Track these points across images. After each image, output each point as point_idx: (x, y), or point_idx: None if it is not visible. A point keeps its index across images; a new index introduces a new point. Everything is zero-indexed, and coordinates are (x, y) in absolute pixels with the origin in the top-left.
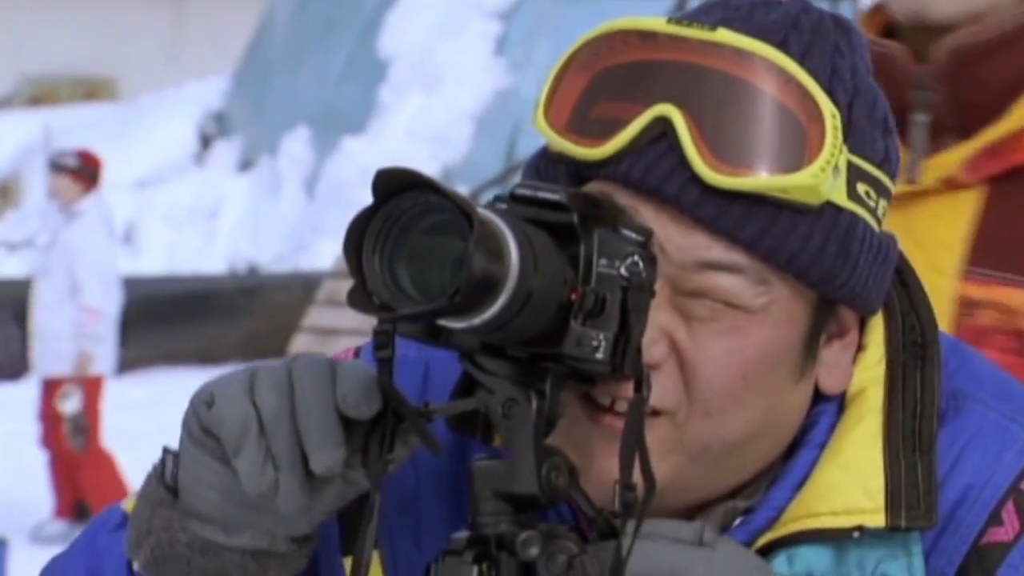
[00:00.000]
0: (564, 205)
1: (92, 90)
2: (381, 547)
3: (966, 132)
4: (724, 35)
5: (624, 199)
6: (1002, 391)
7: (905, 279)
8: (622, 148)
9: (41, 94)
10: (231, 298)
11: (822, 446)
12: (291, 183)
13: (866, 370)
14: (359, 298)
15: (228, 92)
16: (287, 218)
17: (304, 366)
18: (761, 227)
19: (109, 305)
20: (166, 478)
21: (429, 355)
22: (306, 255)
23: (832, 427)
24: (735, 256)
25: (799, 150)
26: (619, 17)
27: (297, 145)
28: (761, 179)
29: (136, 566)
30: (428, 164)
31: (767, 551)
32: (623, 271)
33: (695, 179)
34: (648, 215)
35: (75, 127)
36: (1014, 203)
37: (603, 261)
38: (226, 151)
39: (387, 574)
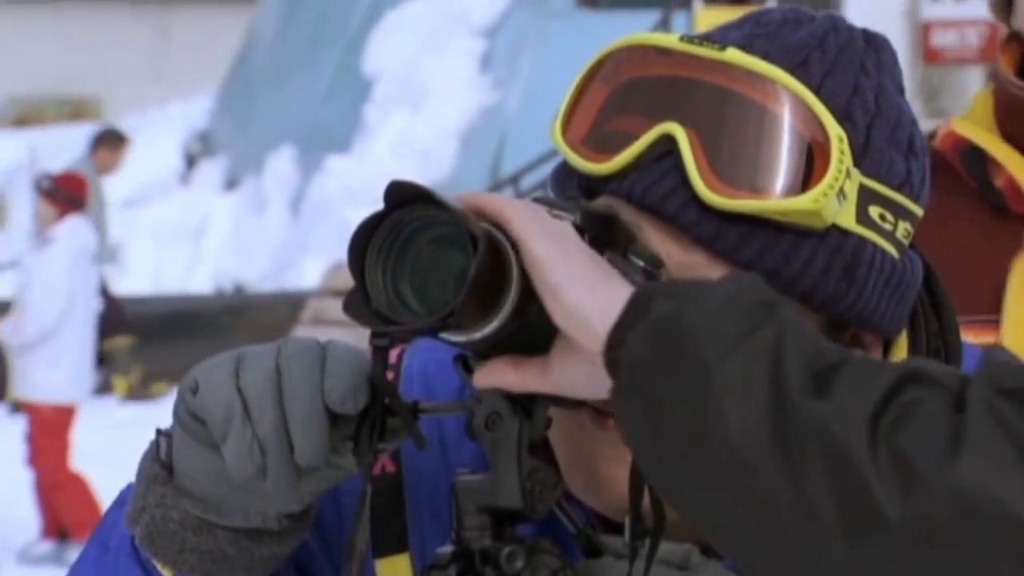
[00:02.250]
0: (577, 227)
1: (77, 110)
2: (412, 548)
3: None
4: (733, 55)
5: (629, 215)
6: None
7: (937, 301)
8: (628, 164)
9: (26, 115)
10: (217, 317)
11: None
12: (276, 202)
13: None
14: (356, 305)
15: (212, 111)
16: (272, 237)
17: (293, 351)
18: (760, 248)
19: (32, 323)
20: (161, 456)
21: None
22: (292, 274)
23: None
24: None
25: (802, 174)
26: (605, 32)
27: (282, 164)
28: (760, 202)
29: (136, 541)
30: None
31: None
32: None
33: (695, 198)
34: (650, 232)
35: (60, 148)
36: None
37: None
38: (211, 170)
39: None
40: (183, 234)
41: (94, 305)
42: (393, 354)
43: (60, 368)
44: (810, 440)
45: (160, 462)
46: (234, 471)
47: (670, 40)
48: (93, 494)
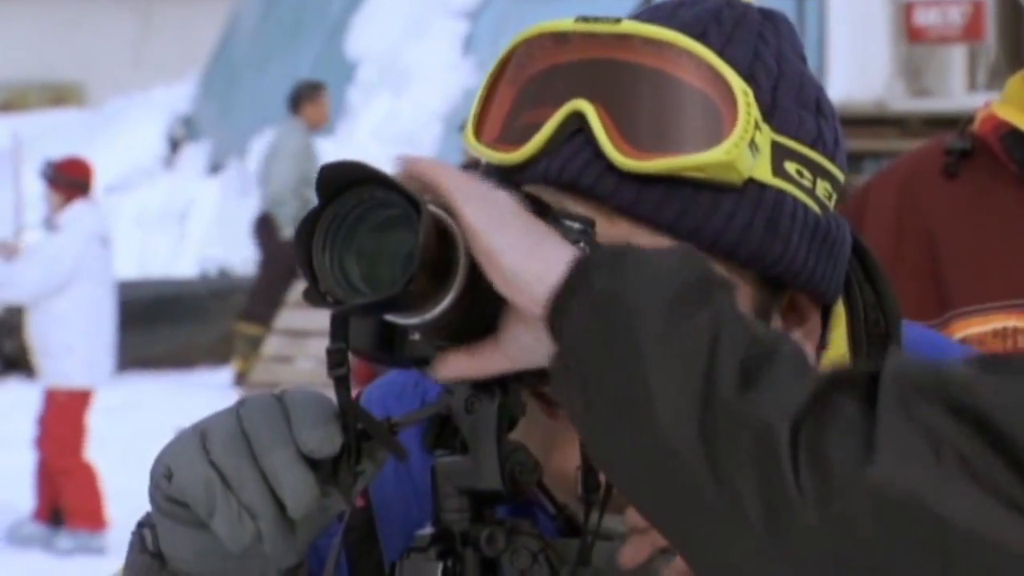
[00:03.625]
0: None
1: (60, 96)
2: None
3: None
4: (631, 26)
5: (549, 198)
6: None
7: (871, 274)
8: (541, 148)
9: (9, 101)
10: (203, 301)
11: None
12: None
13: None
14: (313, 295)
15: (196, 95)
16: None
17: (253, 411)
18: (681, 208)
19: (24, 285)
20: (148, 547)
21: (427, 387)
22: None
23: None
24: (661, 240)
25: (713, 130)
26: (588, 14)
27: (266, 147)
28: (673, 160)
29: None
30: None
31: None
32: None
33: (611, 168)
34: (573, 209)
35: (44, 133)
36: None
37: None
38: (195, 154)
39: None
40: (168, 218)
41: (109, 289)
42: (352, 393)
43: (74, 353)
44: (737, 436)
45: (149, 553)
46: (229, 543)
47: (566, 24)
48: (99, 486)
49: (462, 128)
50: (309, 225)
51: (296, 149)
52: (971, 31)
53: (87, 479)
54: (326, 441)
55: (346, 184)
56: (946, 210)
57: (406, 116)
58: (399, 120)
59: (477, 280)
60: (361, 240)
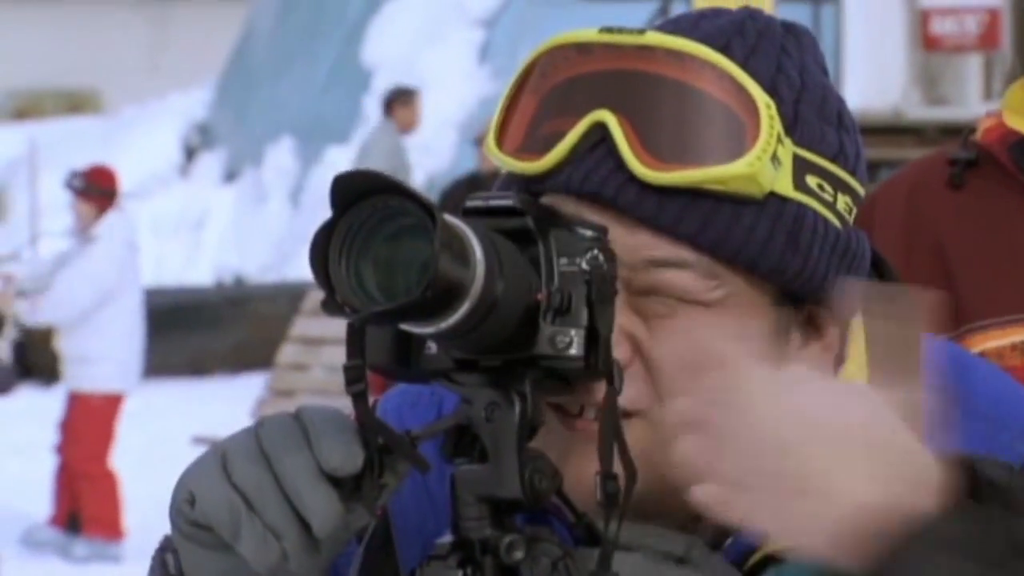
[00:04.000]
0: (518, 209)
1: (76, 103)
2: None
3: None
4: (654, 38)
5: (570, 208)
6: (996, 400)
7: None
8: (563, 158)
9: (25, 108)
10: (218, 309)
11: None
12: (276, 193)
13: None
14: (331, 304)
15: (211, 103)
16: (273, 228)
17: (272, 431)
18: (702, 221)
19: (75, 303)
20: (171, 572)
21: (442, 395)
22: (292, 265)
23: None
24: (681, 251)
25: (735, 142)
26: (604, 22)
27: (281, 155)
28: (696, 172)
29: None
30: (413, 173)
31: (762, 566)
32: (584, 265)
33: (633, 179)
34: (593, 219)
35: (60, 140)
36: None
37: (563, 260)
38: (210, 162)
39: None
40: (183, 226)
41: (140, 294)
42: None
43: (111, 358)
44: None
45: None
46: (256, 565)
47: (589, 35)
48: (119, 495)
49: (477, 142)
50: (325, 235)
51: (387, 149)
52: (987, 39)
53: (109, 487)
54: (348, 458)
55: (361, 194)
56: (953, 222)
57: (422, 123)
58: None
59: (493, 289)
60: (377, 249)
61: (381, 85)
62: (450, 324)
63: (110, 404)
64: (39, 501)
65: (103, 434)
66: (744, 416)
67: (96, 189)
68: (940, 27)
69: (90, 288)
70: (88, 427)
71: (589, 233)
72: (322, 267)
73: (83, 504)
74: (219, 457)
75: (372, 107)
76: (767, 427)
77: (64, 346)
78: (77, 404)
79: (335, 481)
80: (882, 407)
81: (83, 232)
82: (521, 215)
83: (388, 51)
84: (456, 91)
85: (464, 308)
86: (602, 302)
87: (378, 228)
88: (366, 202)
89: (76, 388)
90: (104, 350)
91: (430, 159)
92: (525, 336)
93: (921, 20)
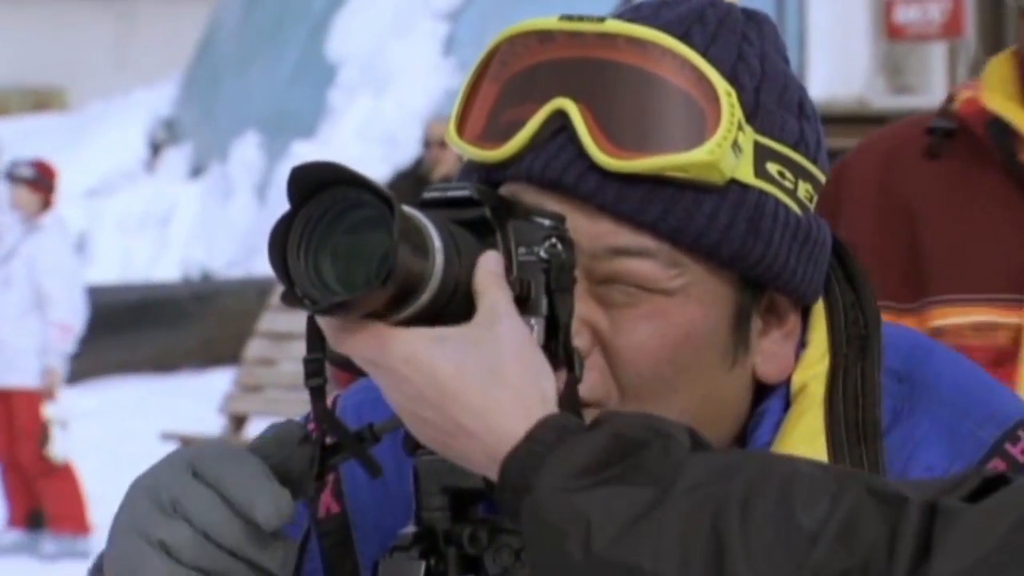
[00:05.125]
0: (474, 199)
1: (41, 100)
2: None
3: None
4: (615, 26)
5: (530, 196)
6: (960, 387)
7: (850, 273)
8: (524, 146)
9: None
10: (185, 305)
11: (768, 445)
12: (242, 188)
13: (808, 367)
14: (290, 297)
15: (177, 98)
16: (239, 223)
17: (193, 505)
18: (663, 208)
19: (77, 321)
20: None
21: None
22: (259, 260)
23: (777, 425)
24: (643, 239)
25: (696, 130)
26: (557, 12)
27: (248, 150)
28: (656, 159)
29: None
30: (379, 166)
31: None
32: (543, 254)
33: (594, 167)
34: (554, 208)
35: (25, 138)
36: None
37: (522, 250)
38: (176, 158)
39: None
40: (149, 222)
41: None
42: (328, 400)
43: (34, 353)
44: None
45: None
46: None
47: (550, 23)
48: (80, 488)
49: (425, 144)
50: (283, 228)
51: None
52: (951, 28)
53: (68, 478)
54: (282, 509)
55: (319, 186)
56: (927, 191)
57: (388, 117)
58: (381, 121)
59: (452, 279)
60: (335, 241)
61: (347, 78)
62: (409, 314)
63: (36, 399)
64: None
65: (38, 430)
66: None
67: (45, 181)
68: (904, 16)
69: (78, 292)
70: (27, 424)
71: (547, 222)
72: (281, 260)
73: (45, 502)
74: (157, 546)
75: (338, 101)
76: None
77: None
78: (9, 402)
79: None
80: (522, 349)
81: (27, 221)
82: (478, 205)
83: (353, 45)
84: (421, 84)
85: (423, 298)
86: (561, 290)
87: (337, 220)
88: (324, 194)
89: (1, 385)
90: (32, 345)
91: (395, 152)
92: None
93: (885, 9)
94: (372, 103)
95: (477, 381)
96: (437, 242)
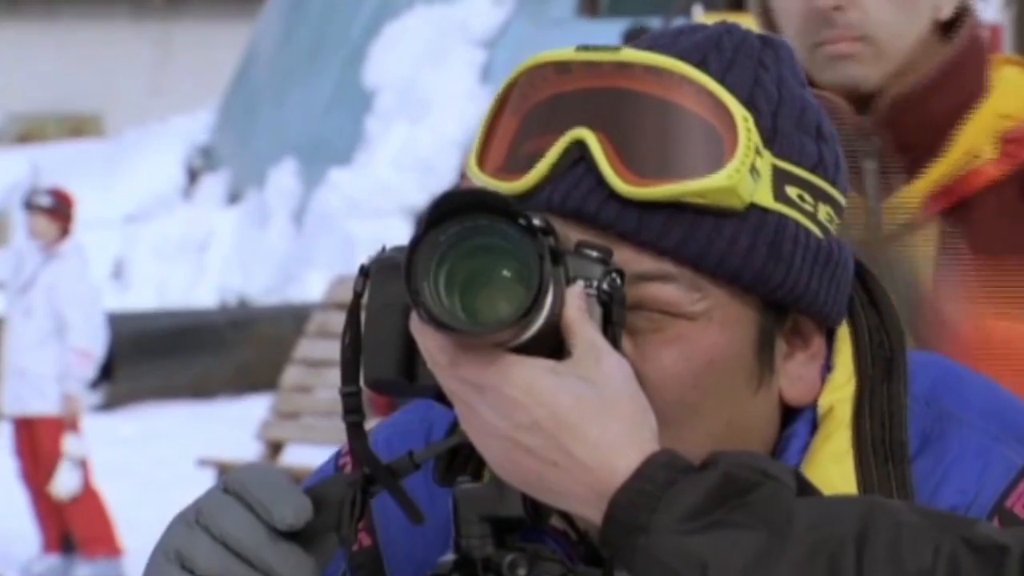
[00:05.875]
0: (546, 230)
1: (78, 127)
2: None
3: (910, 172)
4: (631, 55)
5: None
6: (990, 411)
7: (874, 296)
8: (543, 177)
9: (28, 132)
10: (221, 331)
11: (796, 467)
12: (279, 215)
13: (835, 390)
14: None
15: (214, 125)
16: (276, 250)
17: (216, 514)
18: (684, 234)
19: (97, 347)
20: None
21: (431, 422)
22: (296, 287)
23: (804, 449)
24: (664, 265)
25: (714, 156)
26: (605, 41)
27: (284, 177)
28: (675, 186)
29: None
30: (415, 194)
31: None
32: (605, 287)
33: (614, 195)
34: (576, 237)
35: (62, 164)
36: (969, 230)
37: (580, 283)
38: (213, 184)
39: None
40: (186, 249)
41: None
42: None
43: (57, 380)
44: None
45: None
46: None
47: (567, 54)
48: (107, 510)
49: (461, 176)
50: (412, 251)
51: None
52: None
53: (96, 505)
54: (300, 512)
55: (454, 210)
56: None
57: (424, 144)
58: (417, 148)
59: (556, 309)
60: (461, 266)
61: (383, 106)
62: (522, 342)
63: (59, 426)
64: (27, 530)
65: (56, 456)
66: (520, 388)
67: (63, 209)
68: None
69: (97, 315)
70: (51, 450)
71: (595, 254)
72: (410, 282)
73: (74, 527)
74: (176, 559)
75: (375, 128)
76: (545, 400)
77: (12, 370)
78: (33, 430)
79: (294, 535)
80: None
81: (47, 250)
82: (546, 234)
83: (390, 72)
84: (458, 111)
85: (536, 326)
86: (619, 325)
87: (459, 244)
88: (454, 219)
89: (25, 412)
90: (54, 372)
91: (432, 179)
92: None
93: None
94: (408, 130)
95: (595, 414)
96: (549, 279)
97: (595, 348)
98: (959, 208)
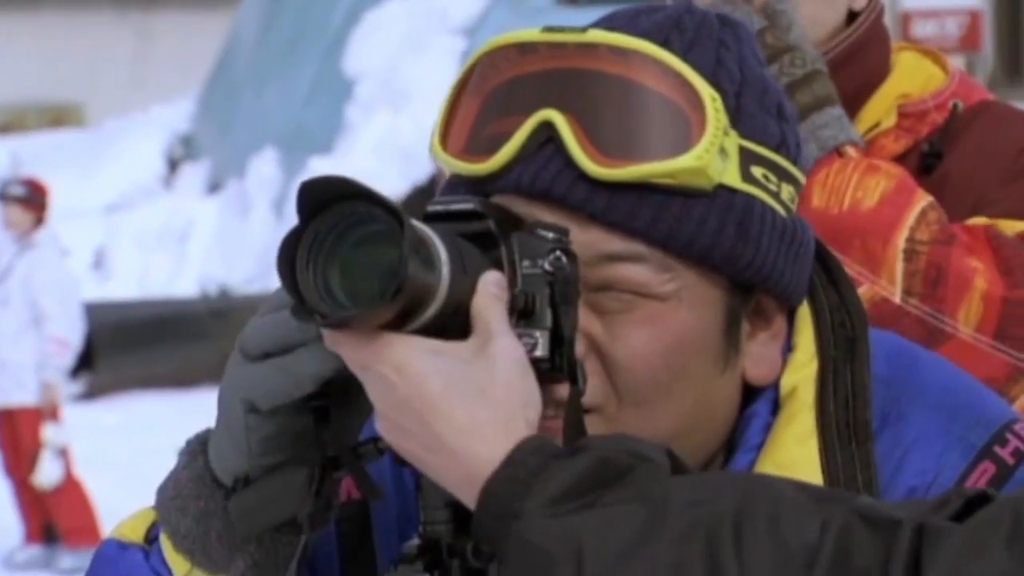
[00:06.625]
0: (479, 212)
1: (59, 117)
2: (381, 573)
3: None
4: (597, 35)
5: (521, 207)
6: (948, 393)
7: (834, 276)
8: (511, 158)
9: (8, 122)
10: (203, 321)
11: (758, 448)
12: (260, 204)
13: (797, 370)
14: (300, 311)
15: (194, 115)
16: (257, 239)
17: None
18: (653, 215)
19: (75, 336)
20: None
21: None
22: (276, 276)
23: (766, 428)
24: (634, 246)
25: (682, 136)
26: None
27: (265, 166)
28: (644, 167)
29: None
30: (396, 182)
31: None
32: (547, 267)
33: (583, 176)
34: (545, 219)
35: (43, 154)
36: None
37: (526, 263)
38: (194, 174)
39: None
40: (167, 238)
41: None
42: None
43: (35, 371)
44: None
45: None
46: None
47: (533, 35)
48: (90, 500)
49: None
50: (292, 242)
51: None
52: (968, 42)
53: (79, 495)
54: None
55: (328, 200)
56: None
57: (405, 133)
58: (398, 137)
59: (459, 292)
60: (344, 255)
61: (364, 95)
62: (416, 327)
63: (39, 416)
64: (8, 522)
65: (40, 448)
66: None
67: (37, 199)
68: (921, 30)
69: (74, 306)
70: (31, 440)
71: (550, 235)
72: (290, 274)
73: (57, 517)
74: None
75: (355, 117)
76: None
77: None
78: (13, 421)
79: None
80: (513, 371)
81: (21, 240)
82: (482, 218)
83: (370, 61)
84: (439, 100)
85: (428, 313)
86: (565, 303)
87: (345, 234)
88: (333, 208)
89: (4, 403)
90: (32, 362)
91: (413, 168)
92: None
93: (902, 22)
94: (389, 119)
95: (464, 399)
96: (444, 255)
97: (487, 331)
98: None
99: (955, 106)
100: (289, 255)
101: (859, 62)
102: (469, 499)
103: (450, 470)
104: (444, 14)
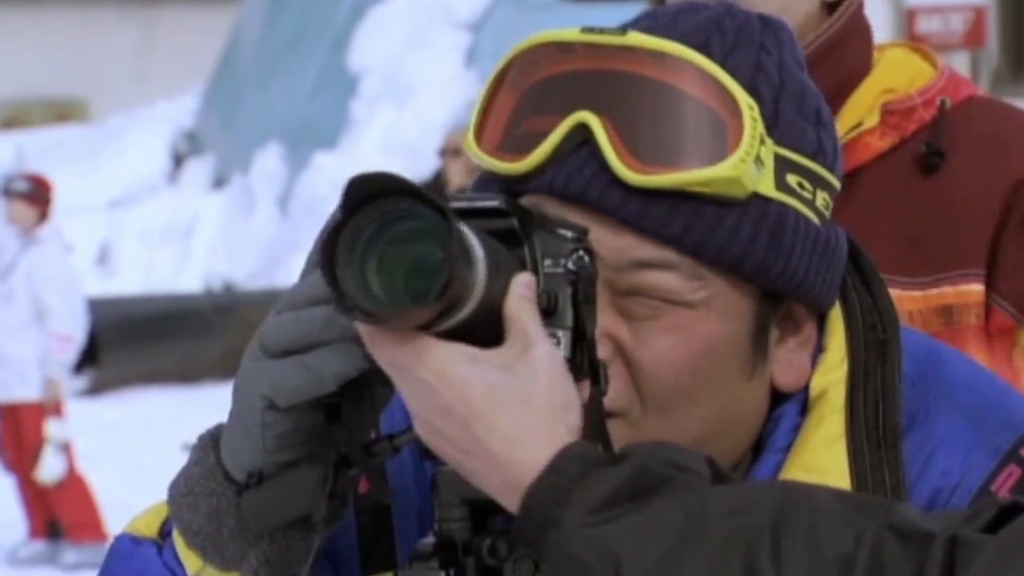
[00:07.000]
0: (504, 210)
1: (63, 112)
2: (400, 565)
3: None
4: (636, 38)
5: (552, 209)
6: (974, 393)
7: (867, 277)
8: (546, 159)
9: (13, 117)
10: (207, 316)
11: (786, 450)
12: (264, 199)
13: (827, 373)
14: (340, 307)
15: (199, 110)
16: (261, 235)
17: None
18: (686, 223)
19: (77, 332)
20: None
21: None
22: (281, 271)
23: (794, 430)
24: (666, 253)
25: (719, 144)
26: (585, 24)
27: (269, 161)
28: (679, 175)
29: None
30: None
31: None
32: (570, 266)
33: (617, 181)
34: (577, 221)
35: (47, 150)
36: (854, 204)
37: (548, 262)
38: (198, 169)
39: None
40: (172, 233)
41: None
42: None
43: (38, 366)
44: None
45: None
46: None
47: (571, 34)
48: (93, 496)
49: (441, 154)
50: (333, 237)
51: None
52: (973, 38)
53: (82, 490)
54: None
55: (372, 195)
56: None
57: (409, 128)
58: (402, 132)
59: (493, 291)
60: (383, 252)
61: (368, 90)
62: (451, 326)
63: (42, 412)
64: (12, 518)
65: (43, 444)
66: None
67: (41, 194)
68: (926, 26)
69: (77, 302)
70: (34, 436)
71: (571, 234)
72: (329, 268)
73: (60, 513)
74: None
75: (360, 112)
76: (457, 389)
77: None
78: (16, 416)
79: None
80: (557, 377)
81: (25, 235)
82: (507, 216)
83: (375, 56)
84: (443, 95)
85: (463, 314)
86: (587, 303)
87: (383, 229)
88: (376, 203)
89: (7, 399)
90: (35, 357)
91: (417, 163)
92: None
93: (907, 19)
94: (394, 114)
95: (507, 405)
96: (480, 254)
97: (525, 337)
98: (845, 180)
99: (943, 102)
100: (330, 249)
101: (838, 57)
102: (511, 505)
103: (492, 475)
104: (448, 10)
